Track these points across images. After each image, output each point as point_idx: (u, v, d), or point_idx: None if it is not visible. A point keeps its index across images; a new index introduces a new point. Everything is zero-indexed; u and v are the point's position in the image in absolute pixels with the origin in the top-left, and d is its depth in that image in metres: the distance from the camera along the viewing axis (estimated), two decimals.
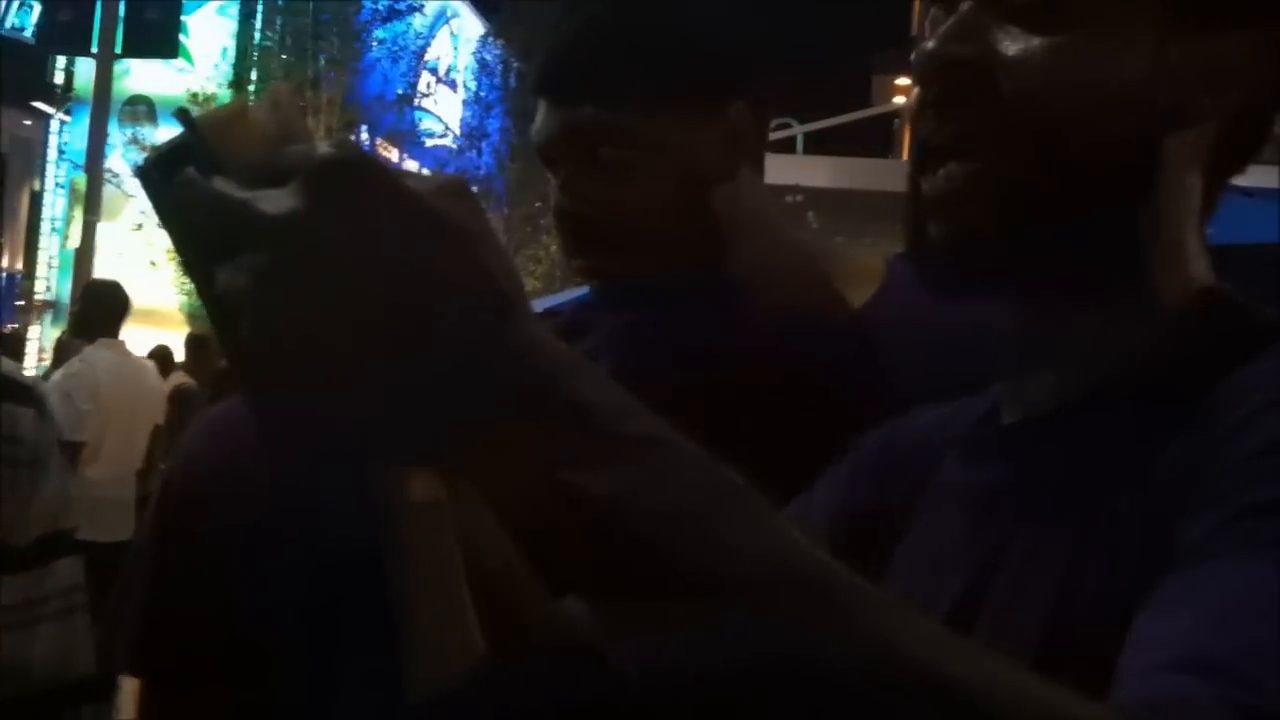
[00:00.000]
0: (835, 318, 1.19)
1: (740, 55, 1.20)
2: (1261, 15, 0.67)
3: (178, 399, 5.98)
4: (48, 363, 9.76)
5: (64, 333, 8.33)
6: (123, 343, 5.32)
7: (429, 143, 17.50)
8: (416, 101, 16.62)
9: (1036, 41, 0.65)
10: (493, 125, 19.51)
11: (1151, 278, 0.67)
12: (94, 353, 5.09)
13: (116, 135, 13.90)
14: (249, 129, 0.47)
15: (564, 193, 1.15)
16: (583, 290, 1.35)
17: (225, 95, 14.44)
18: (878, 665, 0.44)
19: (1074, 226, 0.66)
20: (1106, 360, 0.67)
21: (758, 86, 1.19)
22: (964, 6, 0.68)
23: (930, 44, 0.68)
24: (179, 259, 0.48)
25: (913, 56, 0.69)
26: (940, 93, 0.68)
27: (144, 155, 0.48)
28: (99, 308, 5.21)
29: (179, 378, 6.92)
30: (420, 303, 0.43)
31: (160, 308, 13.06)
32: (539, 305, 1.37)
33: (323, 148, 0.45)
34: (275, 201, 0.43)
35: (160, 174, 0.47)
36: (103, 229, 9.92)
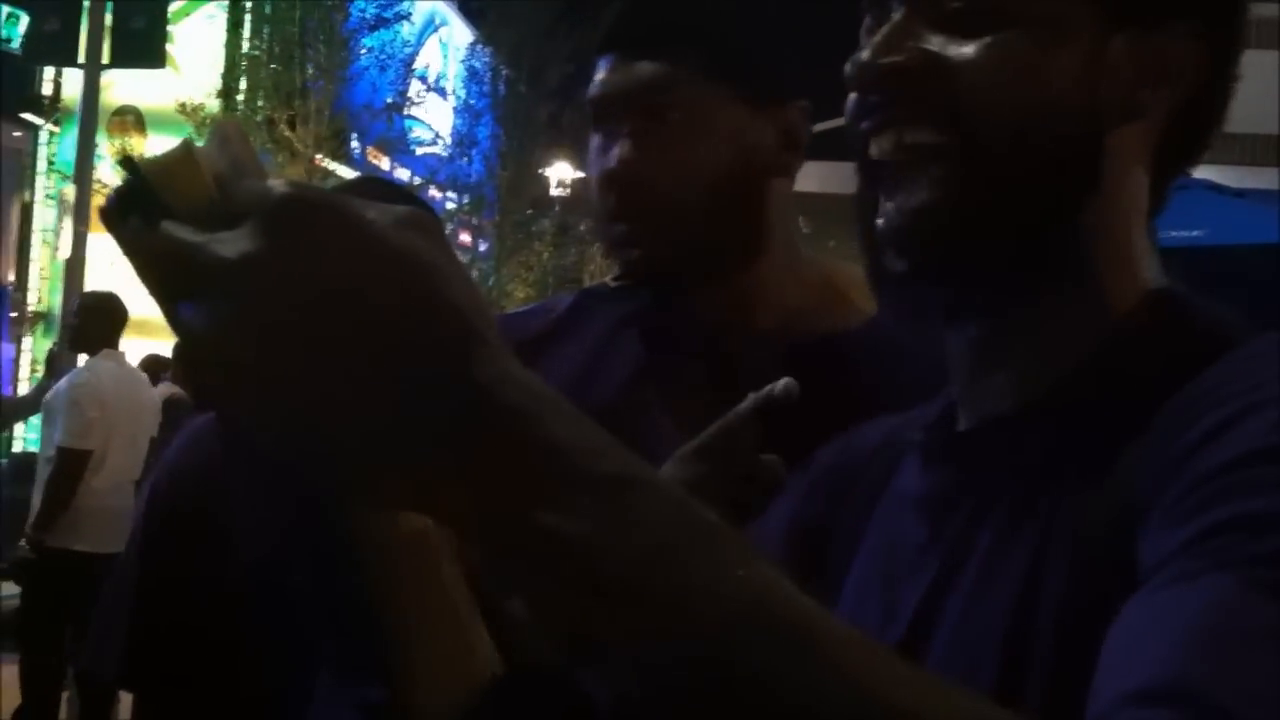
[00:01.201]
0: (852, 322, 1.19)
1: (804, 56, 1.21)
2: (1194, 9, 0.66)
3: (169, 410, 5.98)
4: (40, 374, 9.73)
5: (54, 344, 8.29)
6: (123, 354, 5.35)
7: (419, 150, 17.47)
8: (406, 109, 16.56)
9: (969, 47, 0.65)
10: (483, 132, 19.48)
11: (1100, 278, 0.67)
12: (98, 364, 5.16)
13: (105, 146, 13.87)
14: (196, 170, 0.45)
15: (627, 147, 1.12)
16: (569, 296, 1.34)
17: (214, 105, 14.41)
18: (854, 709, 0.43)
19: (1022, 231, 0.66)
20: (1059, 363, 0.66)
21: (810, 91, 1.20)
22: (895, 15, 0.68)
23: (864, 54, 0.67)
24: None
25: (846, 67, 0.68)
26: (876, 103, 0.68)
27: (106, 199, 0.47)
28: (98, 320, 5.24)
29: (167, 388, 6.91)
30: (381, 342, 0.42)
31: (151, 318, 12.98)
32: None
33: (276, 185, 0.44)
34: (229, 244, 0.43)
35: (118, 210, 0.46)
36: (93, 240, 9.89)
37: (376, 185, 1.68)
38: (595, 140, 1.17)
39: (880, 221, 0.68)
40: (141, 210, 0.45)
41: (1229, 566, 0.48)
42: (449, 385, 0.43)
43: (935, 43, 0.66)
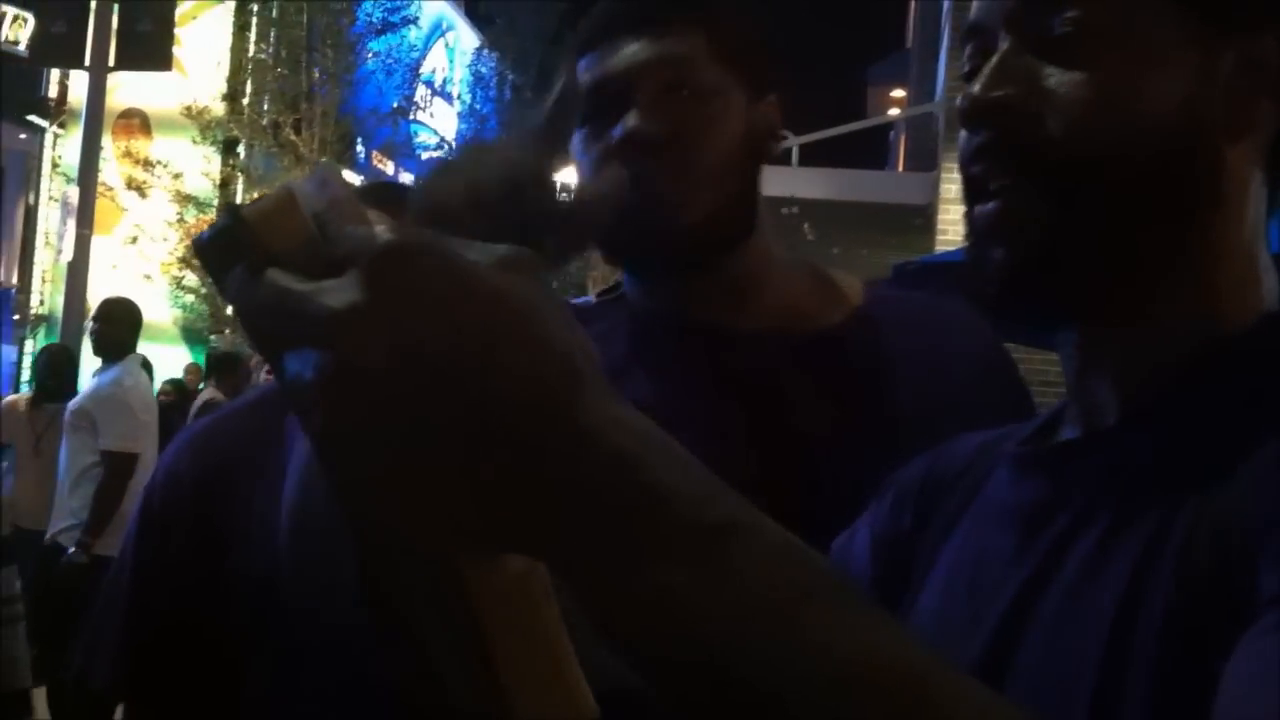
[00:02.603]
0: (844, 316, 1.20)
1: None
2: None
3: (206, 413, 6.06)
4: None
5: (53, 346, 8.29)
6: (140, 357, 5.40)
7: (424, 155, 17.51)
8: (411, 114, 16.61)
9: (1079, 76, 0.63)
10: (487, 137, 19.51)
11: (1217, 295, 0.65)
12: (134, 368, 5.19)
13: (110, 148, 13.88)
14: (298, 213, 0.45)
15: (644, 115, 1.12)
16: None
17: (219, 108, 14.44)
18: None
19: (1140, 256, 0.64)
20: (1169, 378, 0.64)
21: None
22: (1003, 46, 0.66)
23: (975, 88, 0.66)
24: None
25: (958, 101, 0.68)
26: (991, 138, 0.66)
27: (198, 235, 0.47)
28: (121, 325, 5.27)
29: (210, 392, 7.03)
30: (489, 388, 0.42)
31: (155, 321, 13.07)
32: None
33: (380, 233, 0.44)
34: (335, 295, 0.42)
35: (215, 257, 0.46)
36: (96, 242, 9.91)
37: (390, 190, 1.66)
38: (585, 132, 1.15)
39: (994, 263, 0.66)
40: (240, 257, 0.45)
41: None
42: (556, 429, 0.42)
43: (1045, 72, 0.64)
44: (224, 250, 0.45)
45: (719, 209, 1.13)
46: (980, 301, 0.68)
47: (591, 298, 1.31)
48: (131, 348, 5.26)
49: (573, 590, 0.44)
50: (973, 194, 0.68)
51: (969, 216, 0.68)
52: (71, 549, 4.89)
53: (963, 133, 0.69)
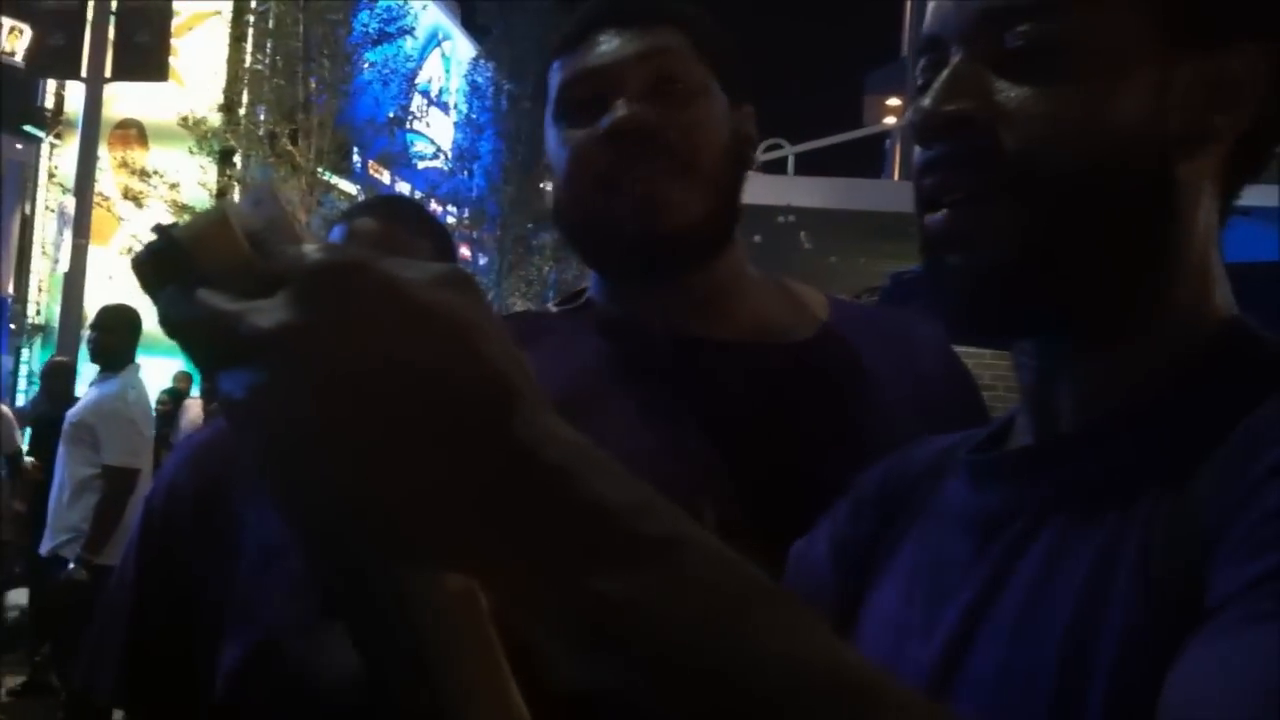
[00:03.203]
0: (809, 326, 1.21)
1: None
2: (1265, 26, 0.64)
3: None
4: (36, 386, 9.72)
5: (53, 357, 8.29)
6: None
7: (420, 165, 17.49)
8: (408, 124, 16.59)
9: (1034, 91, 0.64)
10: (484, 147, 19.53)
11: (1174, 304, 0.66)
12: (135, 379, 5.10)
13: (107, 158, 13.88)
14: (231, 233, 0.45)
15: (634, 105, 1.11)
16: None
17: (216, 118, 14.43)
18: None
19: (1097, 270, 0.65)
20: (1127, 386, 0.65)
21: (759, 99, 1.23)
22: (956, 59, 0.66)
23: (926, 102, 0.66)
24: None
25: (910, 114, 0.68)
26: (943, 153, 0.66)
27: (136, 252, 0.47)
28: (122, 334, 5.16)
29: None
30: (422, 406, 0.42)
31: (151, 331, 13.03)
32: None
33: (311, 252, 0.44)
34: (266, 314, 0.42)
35: (150, 277, 0.45)
36: (93, 252, 9.90)
37: (398, 204, 1.65)
38: (563, 127, 1.15)
39: (949, 273, 0.66)
40: (175, 275, 0.44)
41: None
42: (491, 445, 0.42)
43: (998, 86, 0.64)
44: (158, 269, 0.45)
45: (707, 208, 1.12)
46: (951, 308, 0.68)
47: (551, 306, 1.30)
48: (130, 356, 5.14)
49: (519, 605, 0.44)
50: (924, 205, 0.68)
51: (921, 227, 0.68)
52: (71, 564, 4.85)
53: (916, 147, 0.69)
